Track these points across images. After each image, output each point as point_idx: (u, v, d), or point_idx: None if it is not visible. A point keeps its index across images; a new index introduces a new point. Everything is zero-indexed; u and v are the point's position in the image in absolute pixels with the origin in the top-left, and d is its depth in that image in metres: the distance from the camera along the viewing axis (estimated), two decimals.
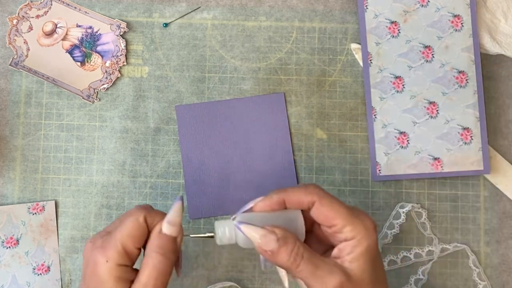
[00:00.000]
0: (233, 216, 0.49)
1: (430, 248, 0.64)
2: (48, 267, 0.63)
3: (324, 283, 0.45)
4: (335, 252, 0.47)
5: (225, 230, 0.49)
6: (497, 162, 0.64)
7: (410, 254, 0.64)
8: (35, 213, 0.64)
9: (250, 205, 0.49)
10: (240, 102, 0.65)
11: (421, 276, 0.63)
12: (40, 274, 0.63)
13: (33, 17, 0.66)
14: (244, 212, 0.49)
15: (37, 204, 0.64)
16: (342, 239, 0.47)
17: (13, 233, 0.64)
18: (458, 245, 0.63)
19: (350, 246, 0.46)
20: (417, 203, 0.64)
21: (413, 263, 0.64)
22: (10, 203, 0.64)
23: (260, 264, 0.55)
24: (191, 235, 0.52)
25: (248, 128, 0.65)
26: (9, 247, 0.63)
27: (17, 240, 0.64)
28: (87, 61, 0.65)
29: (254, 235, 0.46)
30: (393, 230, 0.64)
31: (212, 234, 0.50)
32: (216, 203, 0.64)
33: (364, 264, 0.46)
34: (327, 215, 0.47)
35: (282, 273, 0.49)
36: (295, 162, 0.65)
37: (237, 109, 0.65)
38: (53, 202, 0.64)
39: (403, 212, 0.63)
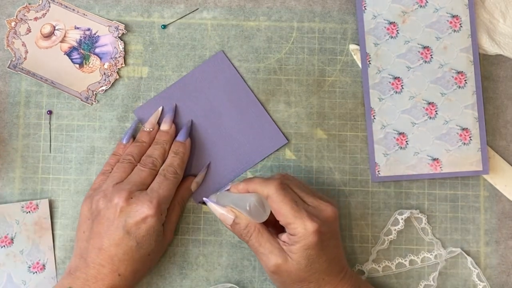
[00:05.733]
0: (216, 194, 0.61)
1: (425, 255, 0.63)
2: (43, 265, 0.64)
3: (265, 260, 0.56)
4: (284, 237, 0.56)
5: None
6: (496, 162, 0.64)
7: (405, 261, 0.64)
8: (29, 212, 0.64)
9: (227, 187, 0.60)
10: (188, 78, 0.65)
11: (432, 282, 0.63)
12: (36, 272, 0.63)
13: (31, 20, 0.66)
14: (226, 190, 0.60)
15: (31, 203, 0.64)
16: (287, 231, 0.56)
17: (7, 232, 0.64)
18: (453, 249, 0.63)
19: (292, 240, 0.55)
20: (416, 208, 0.64)
21: (411, 269, 0.64)
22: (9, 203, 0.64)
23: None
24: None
25: (208, 97, 0.65)
26: (4, 246, 0.63)
27: (12, 239, 0.64)
28: (86, 63, 0.65)
29: (215, 212, 0.58)
30: (390, 236, 0.63)
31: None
32: (209, 178, 0.65)
33: (301, 257, 0.54)
34: (274, 211, 0.56)
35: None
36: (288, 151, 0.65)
37: (190, 86, 0.65)
38: (47, 200, 0.64)
39: (402, 218, 0.63)
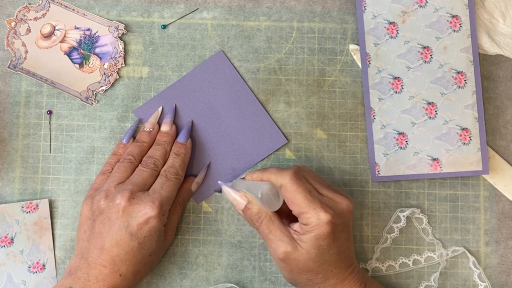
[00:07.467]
0: (231, 182, 0.62)
1: (429, 254, 0.64)
2: (43, 265, 0.64)
3: (274, 247, 0.56)
4: (296, 226, 0.56)
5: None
6: (496, 162, 0.64)
7: (408, 260, 0.64)
8: (29, 212, 0.64)
9: (243, 175, 0.60)
10: (188, 78, 0.65)
11: (433, 283, 0.63)
12: (36, 272, 0.63)
13: (31, 20, 0.66)
14: (241, 178, 0.60)
15: (31, 203, 0.64)
16: (300, 220, 0.56)
17: (7, 232, 0.64)
18: (456, 248, 0.63)
19: (304, 230, 0.55)
20: (417, 208, 0.64)
21: (411, 270, 0.64)
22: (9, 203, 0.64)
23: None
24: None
25: (208, 97, 0.65)
26: (4, 246, 0.64)
27: (12, 239, 0.64)
28: (86, 63, 0.66)
29: (229, 196, 0.58)
30: (393, 234, 0.64)
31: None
32: (209, 178, 0.65)
33: (311, 246, 0.54)
34: (287, 200, 0.56)
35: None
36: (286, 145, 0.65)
37: (190, 86, 0.65)
38: (47, 200, 0.64)
39: (403, 216, 0.63)
